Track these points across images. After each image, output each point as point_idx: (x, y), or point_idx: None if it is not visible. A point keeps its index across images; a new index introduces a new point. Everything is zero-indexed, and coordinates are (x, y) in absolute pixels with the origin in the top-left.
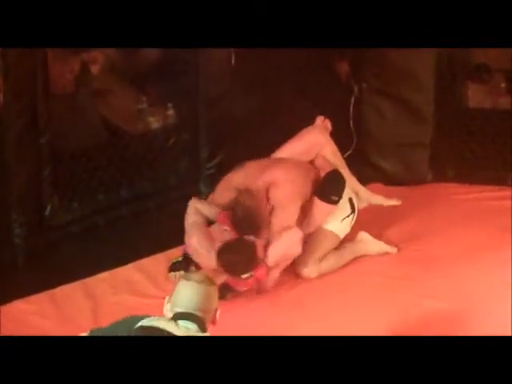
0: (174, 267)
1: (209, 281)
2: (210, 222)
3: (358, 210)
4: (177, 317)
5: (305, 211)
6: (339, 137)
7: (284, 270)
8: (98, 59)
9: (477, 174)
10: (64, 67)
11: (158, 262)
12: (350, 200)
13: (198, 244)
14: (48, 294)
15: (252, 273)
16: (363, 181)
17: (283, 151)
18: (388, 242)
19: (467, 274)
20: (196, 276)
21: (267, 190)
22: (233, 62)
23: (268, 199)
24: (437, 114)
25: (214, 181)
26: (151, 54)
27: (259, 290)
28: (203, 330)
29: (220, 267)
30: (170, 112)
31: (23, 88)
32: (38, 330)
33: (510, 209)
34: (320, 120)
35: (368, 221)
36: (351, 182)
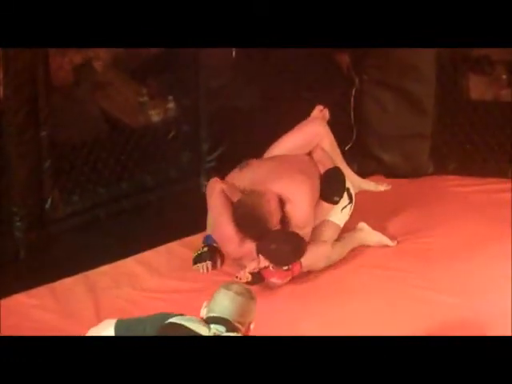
0: (198, 259)
1: (249, 293)
2: None
3: (357, 202)
4: (210, 320)
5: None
6: (340, 129)
7: None
8: (101, 56)
9: (478, 167)
10: (63, 58)
11: (159, 255)
12: (348, 190)
13: (233, 231)
14: (49, 288)
15: (290, 266)
16: (364, 173)
17: (283, 144)
18: (388, 235)
19: (468, 266)
20: (236, 287)
21: (281, 202)
22: (233, 54)
23: (282, 211)
24: (438, 106)
25: (215, 174)
26: None
27: (271, 284)
28: None
29: (264, 256)
30: (171, 105)
31: (23, 81)
32: (39, 324)
33: (511, 201)
34: (318, 109)
35: (368, 213)
36: (344, 170)
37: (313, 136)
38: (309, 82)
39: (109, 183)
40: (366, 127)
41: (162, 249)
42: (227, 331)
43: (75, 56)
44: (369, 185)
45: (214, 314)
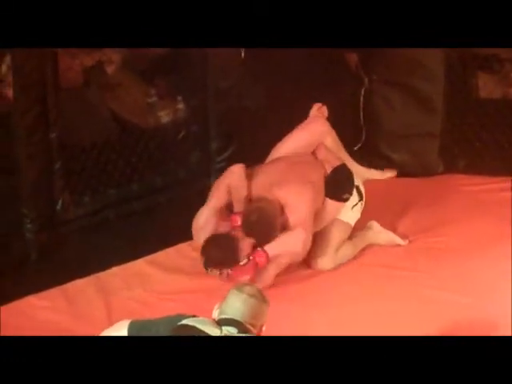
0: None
1: (261, 296)
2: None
3: (367, 200)
4: (222, 322)
5: (318, 211)
6: (349, 129)
7: (293, 265)
8: (113, 59)
9: (488, 165)
10: (73, 60)
11: (169, 256)
12: (357, 187)
13: (203, 223)
14: (60, 289)
15: (250, 258)
16: None
17: (287, 145)
18: (399, 234)
19: (479, 265)
20: (249, 289)
21: (282, 208)
22: (242, 54)
23: (284, 217)
24: (447, 105)
25: None
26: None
27: (256, 279)
28: None
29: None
30: (180, 105)
31: (33, 82)
32: (50, 325)
33: None
34: (316, 107)
35: (379, 212)
36: (347, 162)
37: (317, 135)
38: (318, 81)
39: (119, 184)
40: (376, 127)
41: (172, 250)
42: (239, 333)
43: (86, 58)
44: (374, 174)
45: (226, 316)
